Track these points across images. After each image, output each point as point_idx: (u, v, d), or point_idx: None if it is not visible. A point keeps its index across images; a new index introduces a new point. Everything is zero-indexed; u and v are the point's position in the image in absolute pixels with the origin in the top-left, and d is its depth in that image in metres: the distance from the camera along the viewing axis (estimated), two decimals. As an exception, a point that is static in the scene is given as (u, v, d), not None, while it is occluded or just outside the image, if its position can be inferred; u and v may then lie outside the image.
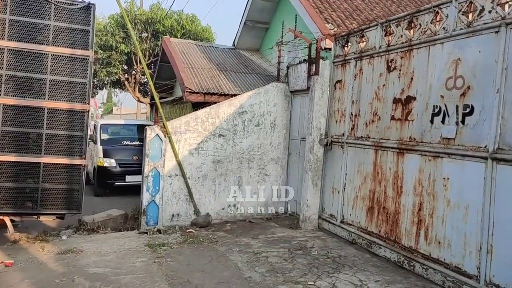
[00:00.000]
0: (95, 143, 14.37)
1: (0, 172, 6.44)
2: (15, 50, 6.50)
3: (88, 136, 16.70)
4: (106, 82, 24.90)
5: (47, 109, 6.64)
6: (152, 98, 17.35)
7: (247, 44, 15.69)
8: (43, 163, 6.59)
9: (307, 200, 8.40)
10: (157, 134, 8.35)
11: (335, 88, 8.26)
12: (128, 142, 14.00)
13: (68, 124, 6.74)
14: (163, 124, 8.45)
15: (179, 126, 8.54)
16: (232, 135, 8.99)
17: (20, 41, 6.53)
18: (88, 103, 6.90)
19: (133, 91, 25.06)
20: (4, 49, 6.44)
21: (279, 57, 9.78)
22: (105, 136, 14.41)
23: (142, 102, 28.25)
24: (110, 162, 13.08)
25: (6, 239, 7.60)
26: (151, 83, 9.24)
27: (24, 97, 6.52)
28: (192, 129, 8.63)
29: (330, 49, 8.48)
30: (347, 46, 7.95)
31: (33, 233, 8.17)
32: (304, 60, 8.93)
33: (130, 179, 13.12)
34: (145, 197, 8.29)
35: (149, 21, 22.62)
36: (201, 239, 7.65)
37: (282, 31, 10.72)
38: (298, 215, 9.01)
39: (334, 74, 8.34)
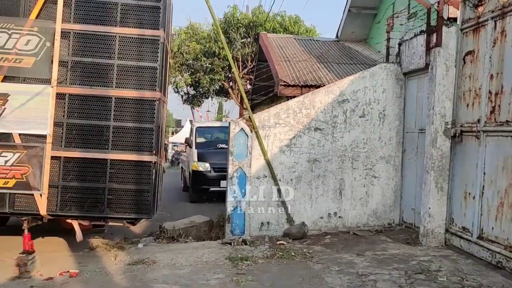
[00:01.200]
0: (190, 146, 13.88)
1: (67, 170, 5.88)
2: (81, 33, 5.96)
3: (184, 140, 16.42)
4: (210, 90, 24.90)
5: (115, 98, 5.96)
6: (254, 105, 16.41)
7: (352, 35, 14.10)
8: (110, 159, 5.89)
9: (429, 208, 6.59)
10: (242, 128, 7.29)
11: (465, 62, 6.39)
12: (224, 145, 13.23)
13: (137, 115, 5.97)
14: (249, 116, 7.37)
15: (267, 119, 7.38)
16: (331, 129, 7.55)
17: (86, 23, 5.97)
18: (160, 91, 6.08)
19: (236, 98, 24.72)
20: (70, 32, 5.93)
21: (388, 32, 8.13)
22: (200, 140, 13.88)
23: (245, 110, 27.68)
24: (204, 167, 12.45)
25: (85, 244, 7.13)
26: (239, 81, 8.23)
27: (91, 85, 5.92)
28: (283, 122, 7.40)
29: (454, 19, 6.66)
30: (482, 4, 6.08)
31: (114, 240, 7.64)
32: (421, 31, 7.19)
33: (225, 184, 12.30)
34: (230, 202, 7.25)
35: (251, 24, 22.08)
36: (293, 254, 6.32)
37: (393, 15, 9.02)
38: (416, 228, 7.21)
39: (462, 44, 6.48)
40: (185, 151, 16.31)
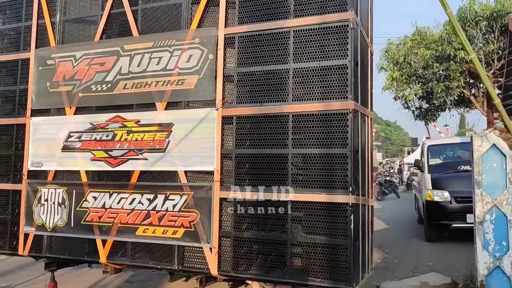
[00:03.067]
0: (421, 170, 11.36)
1: (239, 217, 4.59)
2: (247, 36, 4.69)
3: (413, 162, 13.81)
4: (446, 101, 21.34)
5: (292, 116, 4.42)
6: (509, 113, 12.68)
7: None
8: (291, 201, 4.33)
9: None
10: (493, 144, 4.76)
11: None
12: (468, 167, 10.20)
13: (322, 136, 4.28)
14: (505, 125, 4.79)
15: (538, 127, 4.64)
16: None
17: (253, 21, 4.68)
18: (355, 99, 4.26)
19: (482, 107, 20.47)
20: (234, 37, 4.73)
21: None
22: (434, 161, 11.22)
23: (496, 119, 22.74)
24: (442, 196, 9.82)
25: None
26: (485, 79, 5.64)
27: (261, 101, 4.55)
28: None
29: None
30: None
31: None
32: None
33: (473, 219, 9.32)
34: (481, 258, 4.75)
35: (495, 15, 18.00)
36: None
37: None
38: None
39: None
40: (417, 175, 13.74)
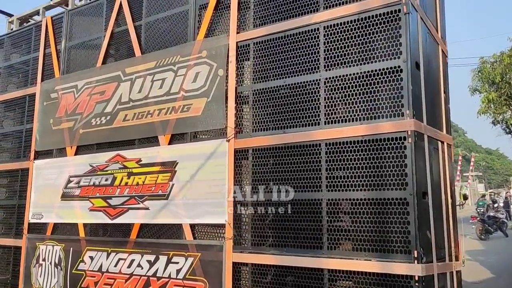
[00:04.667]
0: None
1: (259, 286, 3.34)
2: (265, 42, 3.53)
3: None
4: None
5: (326, 145, 3.14)
6: None
7: None
8: (328, 272, 3.00)
9: None
10: None
11: None
12: None
13: (368, 173, 2.94)
14: None
15: None
16: None
17: (272, 21, 3.54)
18: (418, 118, 2.89)
19: None
20: (249, 45, 3.59)
21: None
22: None
23: None
24: None
25: None
26: None
27: (285, 127, 3.33)
28: None
29: None
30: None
31: None
32: None
33: None
34: None
35: None
36: None
37: None
38: None
39: None
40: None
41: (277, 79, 3.45)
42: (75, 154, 4.65)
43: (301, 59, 3.36)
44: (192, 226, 3.71)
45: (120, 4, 4.58)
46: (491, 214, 20.35)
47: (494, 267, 11.92)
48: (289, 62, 3.41)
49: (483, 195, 24.11)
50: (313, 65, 3.30)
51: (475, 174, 42.92)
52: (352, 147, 3.05)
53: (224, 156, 3.55)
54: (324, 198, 3.11)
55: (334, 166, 3.11)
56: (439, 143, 3.47)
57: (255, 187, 3.44)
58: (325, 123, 3.19)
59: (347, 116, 3.10)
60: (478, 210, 21.35)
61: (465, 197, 14.90)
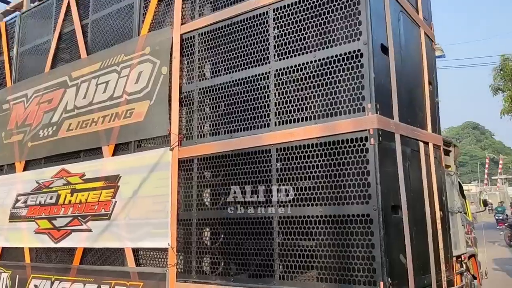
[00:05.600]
0: None
1: None
2: (210, 32, 3.05)
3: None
4: None
5: (277, 151, 2.60)
6: None
7: None
8: None
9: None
10: None
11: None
12: None
13: (324, 183, 2.38)
14: None
15: None
16: None
17: (217, 8, 3.05)
18: (376, 110, 2.33)
19: None
20: (194, 37, 3.10)
21: None
22: None
23: None
24: None
25: None
26: None
27: (232, 131, 2.81)
28: None
29: None
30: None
31: None
32: None
33: None
34: None
35: None
36: None
37: None
38: None
39: None
40: None
41: (223, 74, 2.94)
42: (24, 170, 4.23)
43: (249, 50, 2.82)
44: (136, 251, 3.20)
45: (68, 3, 4.15)
46: (520, 220, 19.20)
47: (522, 278, 10.97)
48: (236, 54, 2.88)
49: (502, 201, 22.86)
50: (262, 55, 2.76)
51: (504, 177, 41.25)
52: (306, 152, 2.49)
53: (167, 168, 3.04)
54: (275, 215, 2.56)
55: (287, 176, 2.55)
56: (421, 144, 2.86)
57: (200, 204, 2.92)
58: (275, 125, 2.65)
59: (300, 115, 2.56)
60: (497, 217, 20.22)
61: (485, 203, 14.01)
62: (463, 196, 7.02)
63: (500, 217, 19.60)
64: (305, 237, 2.44)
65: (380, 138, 2.32)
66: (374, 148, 2.28)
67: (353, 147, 2.35)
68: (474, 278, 5.93)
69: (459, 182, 6.66)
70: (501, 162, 40.37)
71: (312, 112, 2.50)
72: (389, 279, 2.16)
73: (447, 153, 4.89)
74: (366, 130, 2.31)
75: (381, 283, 2.14)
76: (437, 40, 3.88)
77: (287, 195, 2.52)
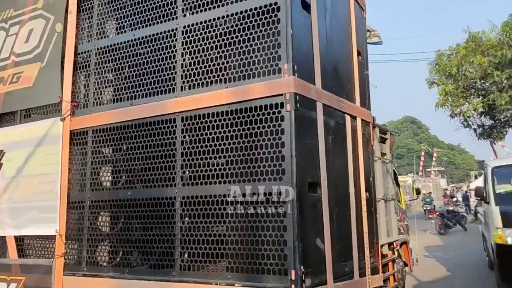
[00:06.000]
0: (486, 201, 8.58)
1: None
2: None
3: (474, 191, 11.03)
4: (514, 115, 18.20)
5: (182, 120, 2.25)
6: None
7: None
8: None
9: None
10: None
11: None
12: None
13: (235, 158, 2.06)
14: None
15: None
16: None
17: None
18: (293, 72, 2.02)
19: None
20: None
21: None
22: (504, 188, 8.45)
23: None
24: None
25: None
26: None
27: (132, 97, 2.42)
28: None
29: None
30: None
31: None
32: None
33: None
34: None
35: None
36: None
37: None
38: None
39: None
40: (481, 206, 10.83)
41: (125, 31, 2.53)
42: None
43: (154, 4, 2.43)
44: (19, 239, 2.73)
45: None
46: (450, 208, 20.18)
47: (451, 264, 11.39)
48: (139, 9, 2.47)
49: (430, 192, 23.92)
50: (169, 10, 2.37)
51: (437, 169, 43.36)
52: (216, 121, 2.14)
53: (57, 142, 2.59)
54: (179, 195, 2.20)
55: (193, 150, 2.20)
56: (347, 117, 2.58)
57: (95, 184, 2.50)
58: (182, 89, 2.28)
59: (210, 78, 2.20)
60: (425, 208, 21.13)
61: (418, 192, 14.40)
62: (398, 184, 7.05)
63: (428, 208, 20.48)
64: (212, 220, 2.10)
65: (298, 104, 2.00)
66: (290, 116, 1.97)
67: (267, 114, 2.02)
68: (406, 265, 5.95)
69: (394, 171, 6.65)
70: (435, 155, 42.33)
71: (223, 75, 2.16)
72: (302, 267, 1.86)
73: (383, 141, 4.75)
74: (281, 94, 1.99)
75: (292, 271, 1.84)
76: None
77: (193, 172, 2.17)
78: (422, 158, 41.17)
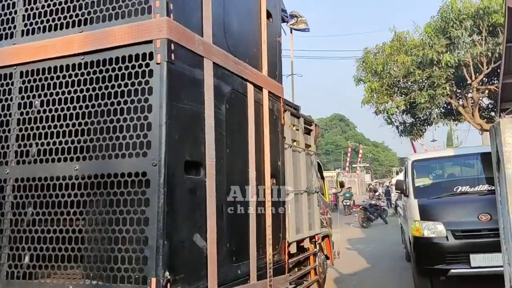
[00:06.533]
0: (405, 195, 8.61)
1: None
2: None
3: (395, 185, 11.24)
4: (432, 114, 19.02)
5: (21, 75, 1.71)
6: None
7: None
8: None
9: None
10: None
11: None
12: (468, 189, 7.47)
13: (88, 128, 1.56)
14: None
15: None
16: None
17: None
18: (167, 12, 1.56)
19: (471, 119, 18.20)
20: None
21: None
22: (422, 182, 8.53)
23: (486, 131, 20.43)
24: (435, 230, 7.04)
25: None
26: None
27: None
28: None
29: None
30: None
31: None
32: None
33: (480, 261, 6.54)
34: None
35: (481, 13, 15.88)
36: None
37: None
38: None
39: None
40: (401, 200, 11.06)
41: None
42: None
43: None
44: None
45: None
46: (373, 202, 20.86)
47: (371, 256, 11.52)
48: None
49: (349, 187, 24.72)
50: None
51: (363, 165, 45.06)
52: (64, 77, 1.59)
53: None
54: (11, 177, 1.64)
55: (32, 116, 1.65)
56: (250, 86, 2.11)
57: None
58: (23, 34, 1.71)
59: (60, 20, 1.66)
60: (344, 203, 21.71)
61: (341, 185, 14.60)
62: (322, 177, 6.84)
63: (348, 203, 21.03)
64: (53, 210, 1.57)
65: (173, 56, 1.52)
66: (161, 70, 1.46)
67: (131, 68, 1.51)
68: (327, 258, 5.75)
69: (318, 163, 6.39)
70: (360, 151, 43.93)
71: (77, 15, 1.62)
72: (167, 272, 1.38)
73: (308, 132, 4.44)
74: (151, 41, 1.50)
75: (153, 279, 1.35)
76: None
77: (30, 146, 1.61)
78: (349, 155, 42.61)
